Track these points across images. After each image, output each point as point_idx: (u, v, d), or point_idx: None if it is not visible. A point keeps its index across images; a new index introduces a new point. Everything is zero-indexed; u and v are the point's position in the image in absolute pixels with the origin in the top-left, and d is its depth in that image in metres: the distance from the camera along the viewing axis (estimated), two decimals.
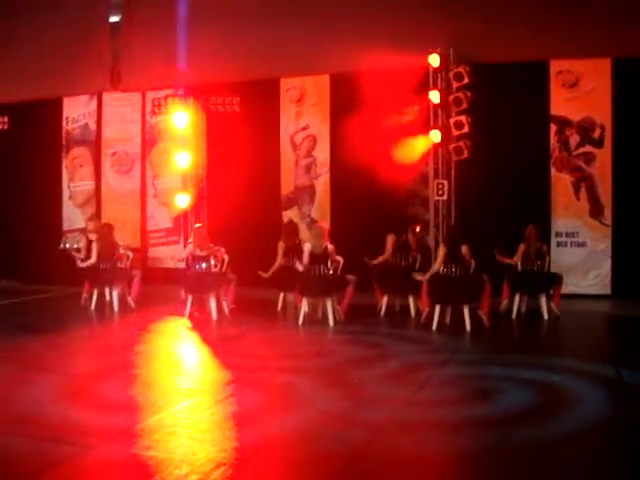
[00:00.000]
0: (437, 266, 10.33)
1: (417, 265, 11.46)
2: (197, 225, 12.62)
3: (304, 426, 5.81)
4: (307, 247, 10.69)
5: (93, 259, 11.91)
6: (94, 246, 11.98)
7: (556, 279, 11.17)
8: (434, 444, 5.42)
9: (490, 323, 10.20)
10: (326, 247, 10.70)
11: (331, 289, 10.69)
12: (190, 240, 12.00)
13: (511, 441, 5.42)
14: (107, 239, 12.14)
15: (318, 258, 10.64)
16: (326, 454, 5.18)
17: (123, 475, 4.82)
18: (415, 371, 7.70)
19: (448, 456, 5.25)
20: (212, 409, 6.39)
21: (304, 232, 12.73)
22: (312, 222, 13.26)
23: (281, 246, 11.78)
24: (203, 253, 11.35)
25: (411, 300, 11.23)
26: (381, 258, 11.42)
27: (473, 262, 10.27)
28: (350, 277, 10.85)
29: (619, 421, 5.97)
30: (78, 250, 12.47)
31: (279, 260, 11.70)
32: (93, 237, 12.48)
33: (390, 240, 11.44)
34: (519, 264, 11.06)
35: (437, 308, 10.17)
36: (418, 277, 10.57)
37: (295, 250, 11.46)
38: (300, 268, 10.64)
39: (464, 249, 10.19)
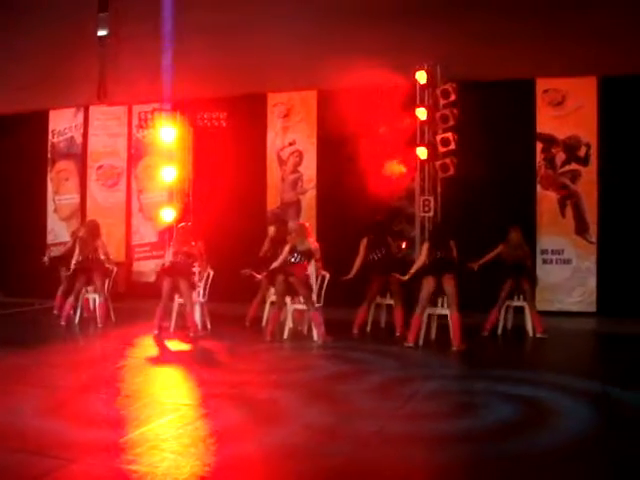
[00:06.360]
0: (420, 262, 10.28)
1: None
2: (181, 224, 12.32)
3: (287, 441, 5.75)
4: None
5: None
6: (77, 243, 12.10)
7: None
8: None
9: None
10: (309, 246, 10.58)
11: None
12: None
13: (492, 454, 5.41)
14: (88, 236, 12.14)
15: (303, 256, 10.53)
16: (309, 469, 5.13)
17: None
18: (400, 385, 7.67)
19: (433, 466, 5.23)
20: (195, 423, 6.32)
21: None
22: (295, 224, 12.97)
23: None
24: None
25: None
26: (357, 262, 11.14)
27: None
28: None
29: (602, 437, 5.96)
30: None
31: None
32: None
33: (362, 244, 11.28)
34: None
35: (423, 325, 10.15)
36: (401, 277, 10.46)
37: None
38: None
39: (451, 243, 10.21)
